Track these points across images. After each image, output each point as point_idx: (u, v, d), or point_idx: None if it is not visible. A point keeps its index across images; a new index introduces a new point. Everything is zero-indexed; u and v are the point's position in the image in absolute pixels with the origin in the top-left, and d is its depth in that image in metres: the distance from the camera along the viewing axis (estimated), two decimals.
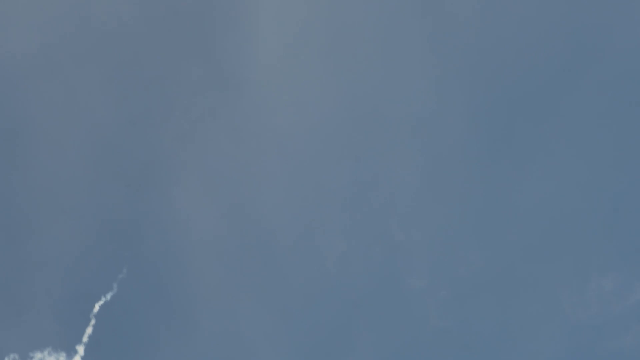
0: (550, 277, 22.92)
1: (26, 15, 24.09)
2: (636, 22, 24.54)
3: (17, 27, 23.99)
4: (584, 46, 24.65)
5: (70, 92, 23.80)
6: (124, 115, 23.87)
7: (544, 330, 22.88)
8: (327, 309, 22.79)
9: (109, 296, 24.29)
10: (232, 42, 24.38)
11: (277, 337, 23.03)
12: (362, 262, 23.21)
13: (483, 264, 23.13)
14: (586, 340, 22.92)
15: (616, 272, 22.84)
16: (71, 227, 23.48)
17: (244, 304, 22.92)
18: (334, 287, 22.78)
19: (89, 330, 24.12)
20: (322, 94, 24.23)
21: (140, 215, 23.47)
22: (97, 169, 23.70)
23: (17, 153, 23.80)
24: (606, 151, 23.94)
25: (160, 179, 23.61)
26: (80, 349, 24.08)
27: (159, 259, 23.21)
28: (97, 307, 24.83)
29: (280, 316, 22.89)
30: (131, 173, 23.53)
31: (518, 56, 24.61)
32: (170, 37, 24.23)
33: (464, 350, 23.02)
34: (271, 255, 23.11)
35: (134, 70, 24.05)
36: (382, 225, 23.44)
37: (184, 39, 24.14)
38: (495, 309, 23.01)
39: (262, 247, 23.23)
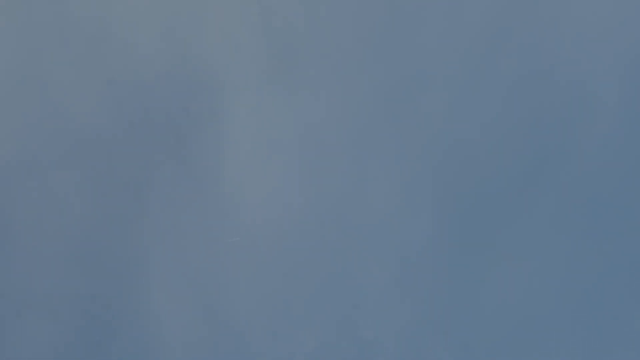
0: None
1: (4, 121, 24.72)
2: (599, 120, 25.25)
3: None
4: (552, 144, 25.37)
5: (48, 192, 24.37)
6: (99, 213, 24.42)
7: None
8: None
9: None
10: (204, 141, 25.01)
11: None
12: (331, 358, 23.71)
13: None
14: None
15: None
16: (41, 328, 23.83)
17: None
18: None
19: None
20: (292, 192, 24.84)
21: (112, 317, 23.94)
22: (71, 268, 24.21)
23: None
24: (574, 248, 24.57)
25: (134, 281, 24.13)
26: None
27: None
28: None
29: None
30: (106, 272, 24.06)
31: (487, 155, 25.30)
32: (145, 143, 24.86)
33: None
34: (241, 355, 23.63)
35: (109, 173, 24.66)
36: (351, 323, 23.97)
37: (158, 144, 24.79)
38: None
39: (232, 347, 23.73)
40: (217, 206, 24.70)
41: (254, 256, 24.43)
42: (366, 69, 26.41)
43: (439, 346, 24.00)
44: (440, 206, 25.31)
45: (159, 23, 26.24)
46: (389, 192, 25.24)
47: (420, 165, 25.15)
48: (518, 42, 26.51)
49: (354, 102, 25.61)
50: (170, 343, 23.79)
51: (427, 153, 25.49)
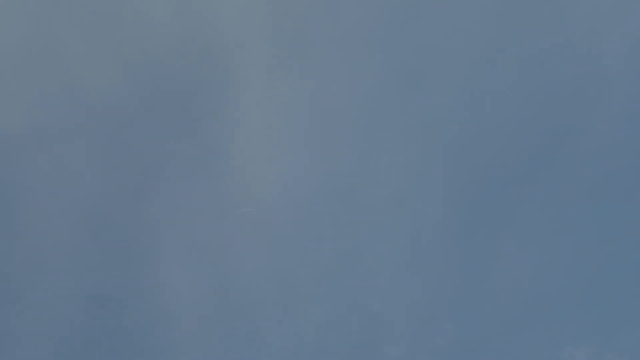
0: (524, 348, 23.40)
1: (20, 93, 24.81)
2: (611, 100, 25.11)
3: (10, 104, 24.80)
4: (568, 121, 25.28)
5: (59, 166, 24.44)
6: (110, 186, 24.47)
7: None
8: None
9: None
10: (216, 117, 25.06)
11: None
12: (341, 331, 23.72)
13: (459, 334, 23.63)
14: None
15: (588, 343, 23.35)
16: (48, 302, 23.82)
17: None
18: (313, 357, 23.34)
19: None
20: (305, 170, 24.87)
21: (120, 292, 23.95)
22: (80, 243, 24.26)
23: (2, 223, 24.39)
24: (582, 227, 24.50)
25: (144, 255, 24.15)
26: None
27: (134, 344, 23.57)
28: None
29: None
30: (115, 247, 24.13)
31: (501, 133, 25.20)
32: (156, 117, 24.95)
33: None
34: (252, 328, 23.65)
35: (121, 146, 24.75)
36: (361, 295, 24.01)
37: (170, 118, 24.86)
38: None
39: (243, 320, 23.76)
40: (229, 182, 24.67)
41: (264, 232, 24.42)
42: (376, 49, 26.23)
43: (446, 320, 23.94)
44: (451, 185, 25.16)
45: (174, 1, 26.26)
46: (400, 169, 25.12)
47: (431, 145, 24.97)
48: (533, 18, 26.29)
49: (365, 81, 25.50)
50: (181, 316, 23.78)
51: (438, 133, 25.31)
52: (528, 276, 24.04)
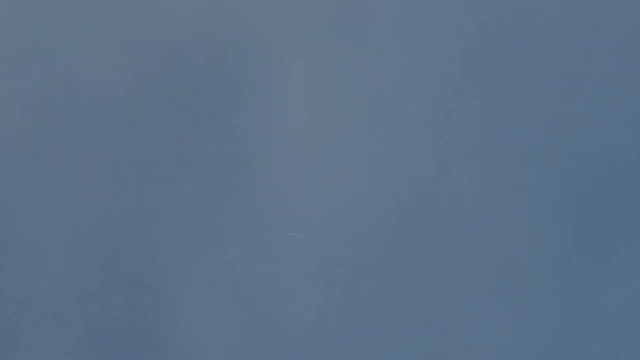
0: None
1: (10, 92, 21.75)
2: None
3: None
4: None
5: (51, 177, 21.64)
6: (117, 207, 21.36)
7: None
8: None
9: None
10: (250, 119, 22.44)
11: None
12: None
13: None
14: None
15: None
16: (66, 326, 20.79)
17: None
18: None
19: None
20: (358, 182, 21.96)
21: (139, 326, 20.79)
22: (81, 275, 21.12)
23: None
24: None
25: (162, 292, 21.24)
26: None
27: None
28: None
29: None
30: (124, 281, 21.08)
31: (604, 133, 21.84)
32: (175, 118, 22.36)
33: None
34: None
35: (128, 154, 22.09)
36: (442, 343, 20.44)
37: (192, 119, 22.18)
38: None
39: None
40: (265, 195, 21.09)
41: (310, 258, 20.83)
42: (444, 34, 22.99)
43: (532, 353, 20.60)
44: (546, 199, 21.57)
45: None
46: (482, 179, 21.54)
47: (521, 149, 21.38)
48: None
49: (431, 68, 22.12)
50: (211, 350, 20.36)
51: (530, 134, 21.89)
52: (622, 307, 20.84)
